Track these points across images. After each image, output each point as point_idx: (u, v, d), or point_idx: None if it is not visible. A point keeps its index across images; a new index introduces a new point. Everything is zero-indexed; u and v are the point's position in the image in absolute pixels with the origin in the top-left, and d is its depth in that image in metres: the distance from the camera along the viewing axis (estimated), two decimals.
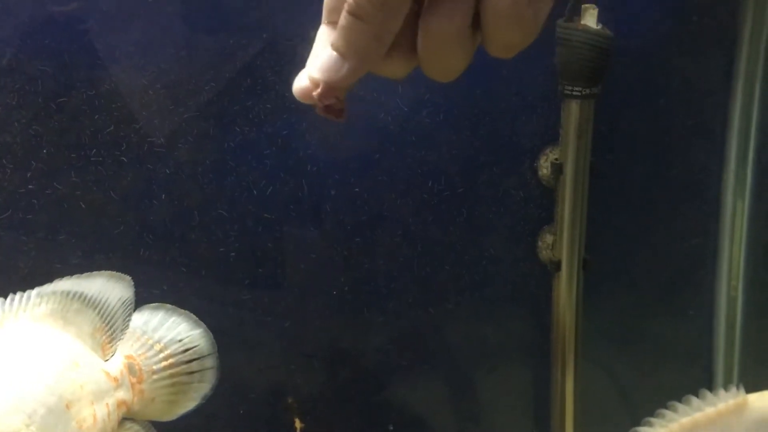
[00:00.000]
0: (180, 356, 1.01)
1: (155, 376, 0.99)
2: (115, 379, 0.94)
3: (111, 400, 0.92)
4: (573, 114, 1.20)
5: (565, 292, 1.32)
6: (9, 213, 1.19)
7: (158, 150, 1.23)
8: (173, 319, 1.04)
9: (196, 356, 1.02)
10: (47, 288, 0.92)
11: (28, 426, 0.79)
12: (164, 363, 1.00)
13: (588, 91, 1.15)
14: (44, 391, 0.83)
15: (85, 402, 0.88)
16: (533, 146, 1.32)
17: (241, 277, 1.32)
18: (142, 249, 1.25)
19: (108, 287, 0.98)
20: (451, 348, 1.45)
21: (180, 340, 1.02)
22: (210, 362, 1.03)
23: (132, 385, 0.96)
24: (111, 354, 0.97)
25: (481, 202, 1.35)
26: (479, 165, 1.34)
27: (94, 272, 0.98)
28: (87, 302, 0.94)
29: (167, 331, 1.03)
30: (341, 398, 1.42)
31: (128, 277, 1.00)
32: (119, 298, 0.98)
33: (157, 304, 1.04)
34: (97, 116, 1.19)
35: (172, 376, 1.00)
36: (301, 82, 0.74)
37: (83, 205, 1.22)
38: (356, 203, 1.33)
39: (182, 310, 1.04)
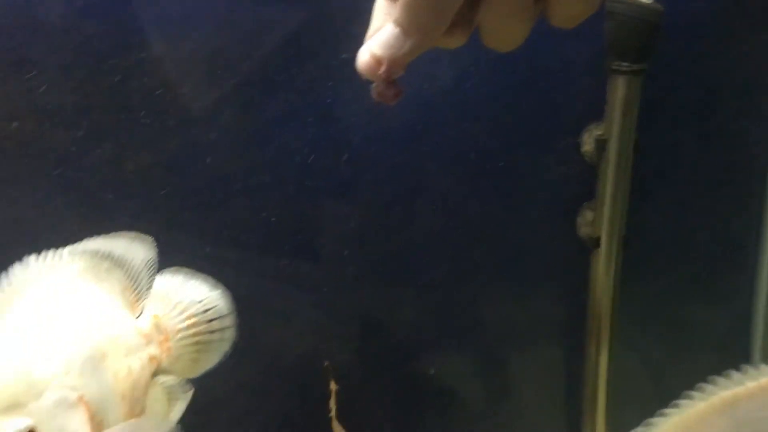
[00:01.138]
0: (201, 316, 1.04)
1: (180, 335, 1.02)
2: (146, 336, 0.97)
3: (143, 355, 0.96)
4: (619, 90, 1.19)
5: (603, 270, 1.32)
6: (60, 171, 1.22)
7: (204, 114, 1.25)
8: (192, 281, 1.07)
9: (216, 315, 1.05)
10: (78, 247, 0.95)
11: (66, 373, 0.82)
12: (188, 322, 1.03)
13: (636, 66, 1.14)
14: (82, 341, 0.87)
15: (120, 354, 0.91)
16: (577, 122, 1.31)
17: (280, 243, 1.34)
18: (185, 212, 1.28)
19: (132, 248, 1.01)
20: (484, 322, 1.46)
21: (200, 301, 1.05)
22: (229, 321, 1.06)
23: (160, 342, 1.00)
24: (139, 313, 1.00)
25: (521, 176, 1.35)
26: (521, 139, 1.34)
27: (119, 233, 1.01)
28: (116, 262, 0.98)
29: (188, 293, 1.05)
30: (374, 366, 1.43)
31: (150, 238, 1.03)
32: (143, 259, 1.01)
33: (175, 267, 1.07)
34: (146, 79, 1.21)
35: (195, 334, 1.03)
36: (364, 59, 0.74)
37: (131, 167, 1.25)
38: (396, 174, 1.34)
39: (200, 274, 1.08)
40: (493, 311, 1.43)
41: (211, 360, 1.06)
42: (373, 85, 0.76)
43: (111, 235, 1.01)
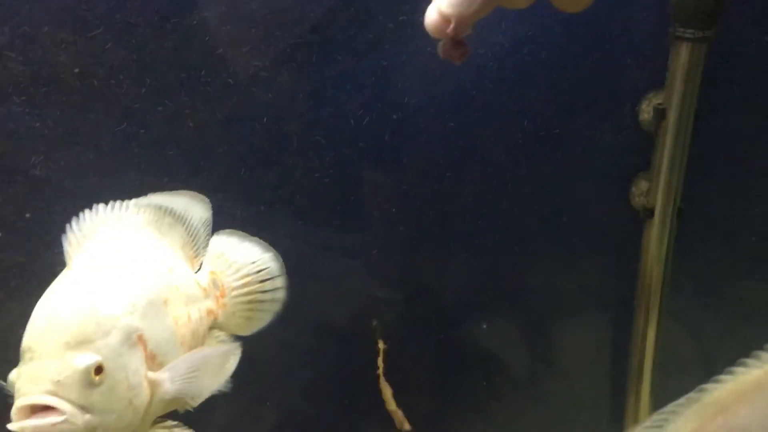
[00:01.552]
0: (254, 276, 1.08)
1: (234, 293, 1.07)
2: (205, 290, 1.02)
3: (202, 307, 1.01)
4: (682, 57, 1.16)
5: (655, 240, 1.31)
6: (123, 126, 1.25)
7: (262, 74, 1.27)
8: (246, 243, 1.11)
9: (268, 276, 1.09)
10: (143, 200, 1.00)
11: (131, 313, 0.87)
12: (242, 281, 1.07)
13: (701, 34, 1.11)
14: (145, 285, 0.91)
15: (180, 303, 0.96)
16: (636, 90, 1.29)
17: (333, 203, 1.36)
18: (242, 169, 1.30)
19: (191, 207, 1.05)
20: (532, 288, 1.46)
21: (253, 262, 1.09)
22: (280, 282, 1.10)
23: (217, 298, 1.04)
24: (197, 268, 1.05)
25: (576, 144, 1.34)
26: (578, 107, 1.32)
27: (179, 191, 1.05)
28: (177, 218, 1.02)
29: (242, 253, 1.09)
30: (421, 328, 1.45)
31: (207, 199, 1.07)
32: (201, 218, 1.05)
33: (230, 229, 1.11)
34: (207, 38, 1.24)
35: (248, 293, 1.08)
36: (432, 17, 0.75)
37: (191, 124, 1.27)
38: (450, 138, 1.34)
39: (253, 237, 1.11)
40: (541, 278, 1.43)
41: (262, 319, 1.10)
42: (440, 43, 0.76)
43: (171, 192, 1.05)
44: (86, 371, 0.80)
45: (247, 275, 1.08)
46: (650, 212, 1.28)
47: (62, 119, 1.23)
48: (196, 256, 1.05)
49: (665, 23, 1.19)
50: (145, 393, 0.86)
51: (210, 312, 1.02)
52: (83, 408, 0.80)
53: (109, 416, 0.82)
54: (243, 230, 1.13)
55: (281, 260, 1.10)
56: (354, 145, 1.33)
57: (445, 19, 0.72)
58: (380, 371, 1.27)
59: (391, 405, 1.24)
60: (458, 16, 0.71)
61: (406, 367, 1.43)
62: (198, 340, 0.99)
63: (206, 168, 1.29)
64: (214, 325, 1.05)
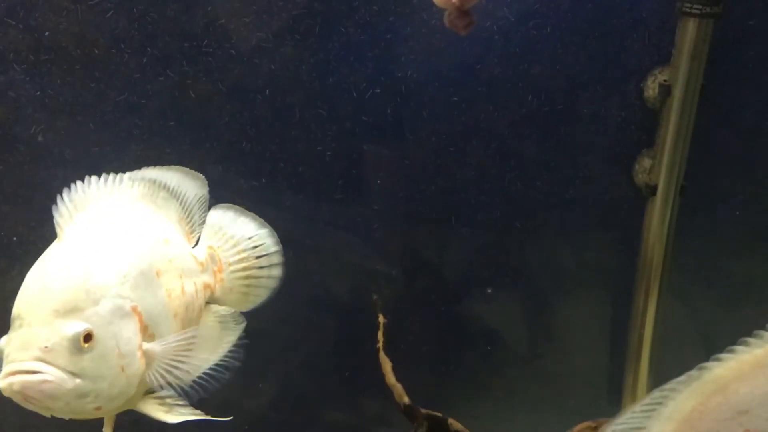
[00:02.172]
0: (251, 251, 1.08)
1: (232, 268, 1.06)
2: (201, 264, 1.02)
3: (198, 280, 1.00)
4: (689, 33, 1.15)
5: (658, 217, 1.30)
6: (125, 96, 1.25)
7: (265, 45, 1.26)
8: (242, 218, 1.10)
9: (264, 252, 1.09)
10: (137, 174, 0.99)
11: (122, 283, 0.87)
12: (238, 256, 1.07)
13: (708, 9, 1.10)
14: (137, 256, 0.91)
15: (174, 275, 0.96)
16: (641, 66, 1.28)
17: (335, 176, 1.35)
18: (244, 141, 1.30)
19: (185, 183, 1.05)
20: (534, 264, 1.46)
21: (250, 237, 1.09)
22: (276, 259, 1.10)
23: (214, 272, 1.04)
24: (194, 243, 1.05)
25: (580, 120, 1.33)
26: (583, 82, 1.31)
27: (173, 167, 1.04)
28: (171, 192, 1.02)
29: (238, 229, 1.09)
30: (422, 302, 1.46)
31: (202, 176, 1.07)
32: (195, 194, 1.05)
33: (227, 204, 1.10)
34: (210, 7, 1.22)
35: (245, 269, 1.07)
36: None
37: (193, 94, 1.26)
38: (453, 113, 1.33)
39: (249, 212, 1.11)
40: (543, 254, 1.43)
41: (259, 296, 1.10)
42: (446, 13, 0.75)
43: (165, 167, 1.04)
44: (75, 338, 0.81)
45: (244, 251, 1.08)
46: (653, 190, 1.28)
47: (63, 88, 1.23)
48: (192, 231, 1.05)
49: None
50: (138, 362, 0.86)
51: (206, 286, 1.02)
52: (72, 374, 0.81)
53: (101, 382, 0.82)
54: (244, 203, 1.13)
55: (277, 236, 1.10)
56: (357, 119, 1.32)
57: None
58: (380, 345, 1.27)
59: (391, 379, 1.24)
60: None
61: (406, 342, 1.44)
62: (193, 313, 0.99)
63: (208, 139, 1.29)
64: (211, 300, 1.05)
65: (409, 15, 1.25)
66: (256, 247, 1.09)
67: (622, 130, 1.32)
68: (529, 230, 1.41)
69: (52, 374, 0.79)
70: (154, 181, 1.00)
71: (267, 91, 1.28)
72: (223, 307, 1.07)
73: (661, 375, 1.44)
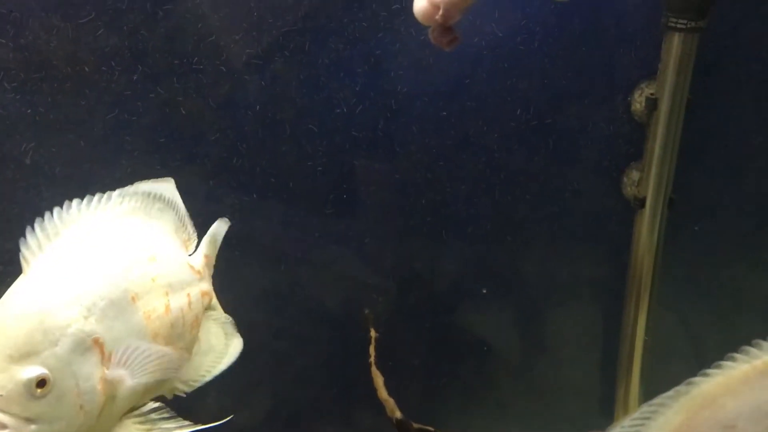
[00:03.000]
0: None
1: None
2: (199, 272, 1.02)
3: (194, 291, 0.99)
4: (675, 48, 1.16)
5: (646, 230, 1.31)
6: (115, 113, 1.25)
7: (255, 62, 1.26)
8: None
9: None
10: (129, 188, 0.98)
11: (86, 318, 0.84)
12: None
13: (693, 24, 1.11)
14: (109, 284, 0.87)
15: (157, 294, 0.93)
16: (628, 79, 1.29)
17: (326, 191, 1.36)
18: (234, 157, 1.30)
19: (178, 193, 1.04)
20: (524, 277, 1.46)
21: None
22: None
23: (213, 279, 1.04)
24: (192, 250, 1.05)
25: (568, 133, 1.34)
26: (570, 96, 1.32)
27: (164, 178, 1.03)
28: (167, 203, 1.01)
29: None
30: (414, 316, 1.46)
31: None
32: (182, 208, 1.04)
33: (226, 218, 1.11)
34: (200, 25, 1.23)
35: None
36: (420, 3, 0.74)
37: (183, 111, 1.27)
38: (442, 127, 1.34)
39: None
40: (534, 267, 1.44)
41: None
42: (430, 29, 0.76)
43: (158, 180, 1.04)
44: (28, 384, 0.78)
45: None
46: (641, 202, 1.29)
47: (53, 106, 1.23)
48: (189, 239, 1.05)
49: (658, 13, 1.19)
50: (98, 397, 0.83)
51: (205, 294, 1.02)
52: (28, 419, 0.79)
53: (58, 424, 0.80)
54: (235, 217, 1.13)
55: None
56: (347, 133, 1.33)
57: (434, 6, 0.72)
58: (372, 359, 1.27)
59: (383, 393, 1.24)
60: (447, 3, 0.71)
61: (398, 355, 1.44)
62: (185, 327, 0.97)
63: (198, 156, 1.29)
64: (211, 306, 1.05)
65: (398, 31, 1.26)
66: None
67: (610, 144, 1.34)
68: (519, 243, 1.42)
69: (7, 422, 0.77)
70: (148, 194, 0.99)
71: (257, 107, 1.28)
72: (221, 313, 1.07)
73: (652, 386, 1.45)
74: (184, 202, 1.07)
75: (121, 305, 0.88)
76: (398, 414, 1.19)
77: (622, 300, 1.39)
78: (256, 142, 1.31)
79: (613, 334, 1.44)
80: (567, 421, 1.50)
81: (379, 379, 1.22)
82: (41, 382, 0.79)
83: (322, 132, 1.32)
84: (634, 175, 1.31)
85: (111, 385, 0.85)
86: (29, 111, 1.22)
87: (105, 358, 0.84)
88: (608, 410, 1.45)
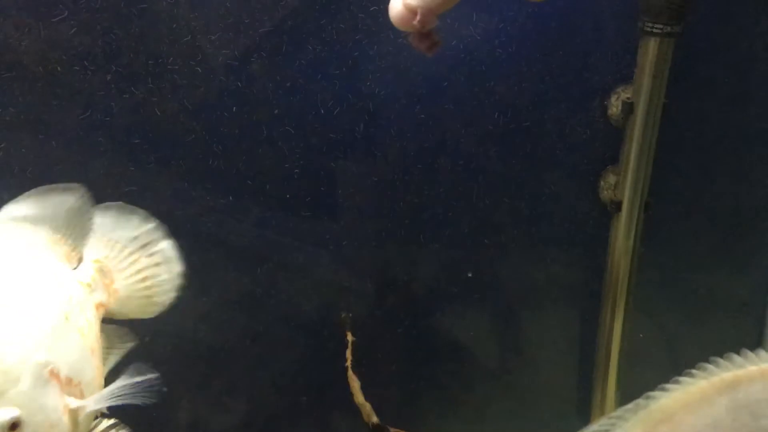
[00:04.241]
0: (141, 252, 1.01)
1: (125, 273, 0.99)
2: (89, 285, 0.95)
3: (89, 305, 0.93)
4: (651, 52, 1.17)
5: (623, 234, 1.32)
6: (88, 114, 1.23)
7: (231, 63, 1.25)
8: (124, 217, 1.02)
9: (156, 249, 1.01)
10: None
11: (36, 350, 0.80)
12: (129, 260, 1.00)
13: (669, 29, 1.12)
14: (45, 310, 0.84)
15: (77, 311, 0.89)
16: (605, 84, 1.30)
17: (303, 194, 1.35)
18: (210, 159, 1.29)
19: (58, 200, 0.95)
20: (502, 280, 1.46)
21: (136, 237, 1.01)
22: (171, 252, 1.02)
23: (106, 286, 0.97)
24: (78, 262, 0.97)
25: (546, 137, 1.34)
26: (548, 100, 1.33)
27: (43, 187, 0.96)
28: (37, 219, 0.93)
29: (123, 230, 1.01)
30: (390, 320, 1.45)
31: (77, 185, 0.96)
32: (71, 208, 0.95)
33: (106, 204, 1.01)
34: (175, 25, 1.21)
35: (139, 271, 1.00)
36: (396, 8, 0.74)
37: (158, 112, 1.25)
38: (420, 130, 1.34)
39: (131, 206, 1.02)
40: (511, 270, 1.44)
41: (165, 295, 1.02)
42: (410, 36, 0.75)
43: (34, 191, 0.95)
44: (2, 428, 0.75)
45: (133, 252, 1.00)
46: (618, 206, 1.29)
47: (25, 106, 1.20)
48: (74, 250, 0.96)
49: (635, 18, 1.20)
50: (66, 428, 0.80)
51: (99, 306, 0.95)
52: None
53: None
54: (211, 220, 1.09)
55: (166, 228, 1.01)
56: (324, 136, 1.32)
57: (411, 11, 0.71)
58: (348, 363, 1.27)
59: (359, 398, 1.24)
60: (424, 8, 0.70)
61: (375, 359, 1.43)
62: (99, 340, 0.92)
63: (174, 157, 1.27)
64: (109, 314, 0.98)
65: (376, 33, 1.25)
66: (145, 245, 1.01)
67: (587, 147, 1.34)
68: (496, 246, 1.42)
69: None
70: (13, 218, 0.91)
71: (234, 108, 1.27)
72: (110, 326, 0.99)
73: (628, 389, 1.45)
74: (158, 203, 1.04)
75: (59, 329, 0.84)
76: (375, 419, 1.19)
77: (598, 303, 1.40)
78: (232, 144, 1.29)
79: (590, 337, 1.44)
80: (544, 424, 1.50)
81: (355, 384, 1.22)
82: (14, 425, 0.75)
83: (299, 134, 1.31)
84: (611, 178, 1.31)
85: (74, 413, 0.81)
86: (0, 111, 1.20)
87: (63, 386, 0.82)
88: (585, 413, 1.45)
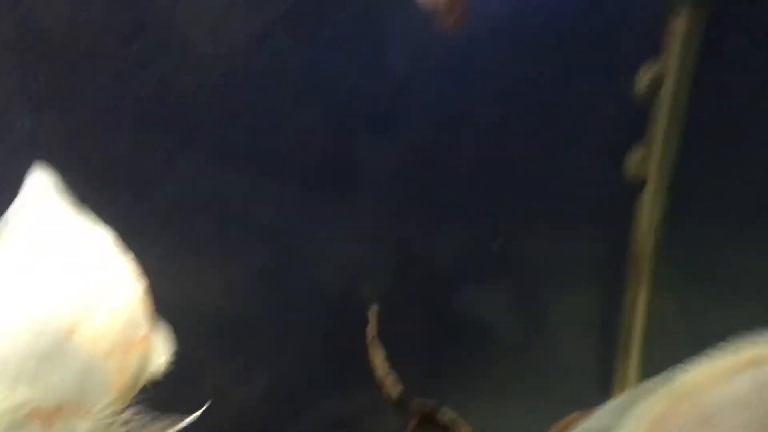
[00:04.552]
0: None
1: None
2: None
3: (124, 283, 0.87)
4: (680, 26, 1.15)
5: (648, 211, 1.30)
6: (113, 86, 1.22)
7: (256, 38, 1.24)
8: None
9: None
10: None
11: (13, 389, 0.75)
12: None
13: (700, 2, 1.10)
14: (31, 338, 0.77)
15: (92, 307, 0.82)
16: (633, 58, 1.27)
17: (325, 169, 1.35)
18: (234, 134, 1.28)
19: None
20: (525, 256, 1.46)
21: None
22: None
23: None
24: None
25: (571, 112, 1.33)
26: (573, 74, 1.31)
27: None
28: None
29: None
30: (413, 295, 1.45)
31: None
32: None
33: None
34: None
35: None
36: None
37: (180, 88, 1.24)
38: (445, 104, 1.33)
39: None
40: (534, 246, 1.43)
41: None
42: (436, 12, 0.74)
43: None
44: None
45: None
46: (644, 182, 1.28)
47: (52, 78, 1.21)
48: None
49: None
50: None
51: None
52: None
53: None
54: (233, 196, 1.08)
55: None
56: (348, 110, 1.32)
57: None
58: (372, 336, 1.27)
59: (383, 368, 1.24)
60: None
61: (396, 335, 1.44)
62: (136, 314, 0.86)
63: (197, 129, 1.27)
64: None
65: (402, 8, 1.24)
66: None
67: (612, 123, 1.33)
68: (520, 223, 1.41)
69: None
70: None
71: (257, 84, 1.27)
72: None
73: (650, 367, 1.45)
74: (183, 179, 1.04)
75: (55, 352, 0.77)
76: (397, 389, 1.19)
77: (622, 280, 1.39)
78: (255, 121, 1.30)
79: (613, 314, 1.43)
80: (565, 400, 1.49)
81: (378, 355, 1.22)
82: None
83: (324, 109, 1.31)
84: (638, 155, 1.30)
85: None
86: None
87: (48, 417, 0.75)
88: (607, 390, 1.45)
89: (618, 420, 0.74)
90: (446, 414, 1.27)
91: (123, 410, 0.81)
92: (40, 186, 0.88)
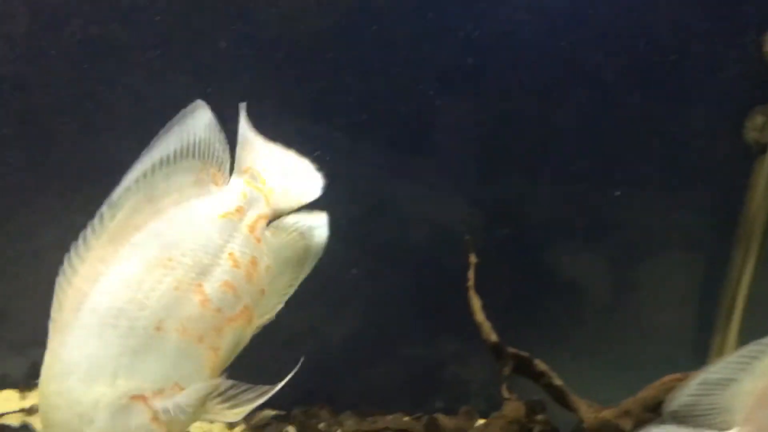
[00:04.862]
0: (278, 146, 0.98)
1: (272, 170, 0.96)
2: (238, 209, 0.92)
3: (237, 242, 0.90)
4: None
5: (765, 177, 1.27)
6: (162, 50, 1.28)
7: None
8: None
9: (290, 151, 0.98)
10: (116, 192, 0.86)
11: (113, 383, 0.81)
12: (273, 156, 0.97)
13: None
14: (125, 336, 0.82)
15: (185, 297, 0.86)
16: (762, 17, 1.23)
17: (420, 128, 1.37)
18: (327, 97, 1.32)
19: (192, 124, 0.91)
20: (626, 218, 1.43)
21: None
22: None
23: (259, 189, 0.94)
24: (227, 179, 0.94)
25: (692, 72, 1.29)
26: (698, 32, 1.27)
27: (173, 120, 0.90)
28: (170, 161, 0.89)
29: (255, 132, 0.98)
30: (509, 250, 1.44)
31: (201, 102, 0.92)
32: (205, 126, 0.92)
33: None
34: None
35: (282, 163, 0.97)
36: None
37: (222, 44, 1.28)
38: (560, 58, 1.30)
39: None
40: (638, 208, 1.40)
41: (313, 182, 0.99)
42: None
43: (167, 127, 0.89)
44: None
45: (273, 150, 0.98)
46: (763, 148, 1.24)
47: None
48: (220, 168, 0.92)
49: None
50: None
51: (260, 218, 0.92)
52: None
53: None
54: (325, 154, 1.10)
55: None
56: (458, 64, 1.31)
57: None
58: (471, 283, 1.29)
59: (480, 316, 1.26)
60: None
61: (493, 286, 1.45)
62: (243, 285, 0.89)
63: (293, 95, 1.31)
64: (275, 216, 0.95)
65: None
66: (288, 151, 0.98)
67: (735, 85, 1.28)
68: (625, 182, 1.38)
69: None
70: (144, 174, 0.87)
71: (373, 27, 1.29)
72: (291, 217, 0.96)
73: (749, 338, 1.41)
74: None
75: (146, 345, 0.83)
76: (494, 337, 1.21)
77: (729, 249, 1.36)
78: (345, 82, 1.31)
79: (714, 280, 1.40)
80: (656, 364, 1.48)
81: (476, 303, 1.24)
82: None
83: (427, 66, 1.31)
84: (759, 119, 1.25)
85: (167, 416, 0.82)
86: None
87: (150, 400, 0.82)
88: (702, 356, 1.43)
89: (742, 372, 0.74)
90: (540, 365, 1.29)
91: (219, 382, 0.85)
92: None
